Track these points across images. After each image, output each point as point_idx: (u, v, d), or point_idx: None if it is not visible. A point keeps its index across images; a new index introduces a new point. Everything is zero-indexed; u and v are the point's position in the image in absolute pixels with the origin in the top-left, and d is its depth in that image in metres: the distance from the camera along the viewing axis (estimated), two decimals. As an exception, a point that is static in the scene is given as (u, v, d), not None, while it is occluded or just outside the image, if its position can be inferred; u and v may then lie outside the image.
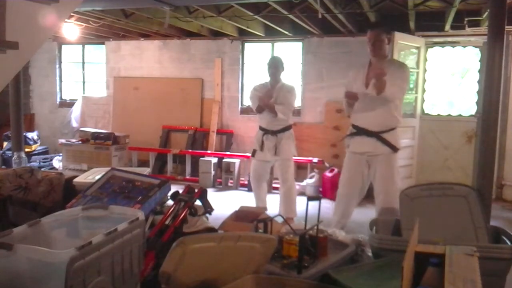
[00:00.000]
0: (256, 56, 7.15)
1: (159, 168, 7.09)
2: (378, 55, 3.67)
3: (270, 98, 4.45)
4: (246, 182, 6.32)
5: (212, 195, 5.16)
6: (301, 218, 2.61)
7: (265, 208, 4.02)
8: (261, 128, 4.61)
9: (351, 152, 3.79)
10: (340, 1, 4.77)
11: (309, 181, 6.08)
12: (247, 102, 7.05)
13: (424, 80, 6.22)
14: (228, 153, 6.72)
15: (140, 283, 2.23)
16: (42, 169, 5.03)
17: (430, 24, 5.71)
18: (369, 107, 3.63)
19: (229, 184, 6.44)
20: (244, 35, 6.75)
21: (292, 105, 4.57)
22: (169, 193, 2.97)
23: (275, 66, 4.56)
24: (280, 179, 4.67)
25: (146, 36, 7.26)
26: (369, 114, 3.65)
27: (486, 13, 4.61)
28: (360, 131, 3.72)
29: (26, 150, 6.54)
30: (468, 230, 2.80)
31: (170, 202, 2.99)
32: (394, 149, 3.66)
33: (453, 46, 6.22)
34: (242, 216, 3.19)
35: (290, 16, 5.25)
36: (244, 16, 5.37)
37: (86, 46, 8.10)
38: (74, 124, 7.90)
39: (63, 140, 7.09)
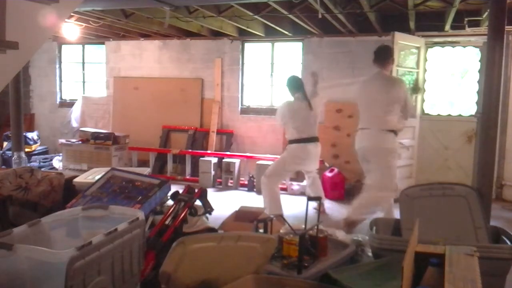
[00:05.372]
0: (256, 56, 7.15)
1: (159, 168, 7.09)
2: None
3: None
4: (246, 182, 6.32)
5: (212, 195, 5.15)
6: (301, 218, 2.61)
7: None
8: (305, 140, 4.71)
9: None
10: (340, 1, 4.76)
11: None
12: (247, 102, 7.06)
13: (424, 80, 6.21)
14: (228, 153, 6.72)
15: (140, 283, 2.23)
16: (42, 169, 5.04)
17: (430, 24, 5.71)
18: None
19: (229, 184, 6.43)
20: (244, 35, 6.75)
21: None
22: (169, 193, 2.97)
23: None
24: (310, 174, 5.09)
25: (146, 36, 7.25)
26: None
27: (486, 13, 4.61)
28: None
29: (26, 150, 6.54)
30: (468, 230, 2.80)
31: (170, 202, 2.99)
32: None
33: (453, 46, 6.21)
34: (242, 216, 3.20)
35: (290, 16, 5.24)
36: (244, 16, 5.37)
37: (86, 46, 8.10)
38: (74, 124, 7.90)
39: (63, 140, 7.09)
